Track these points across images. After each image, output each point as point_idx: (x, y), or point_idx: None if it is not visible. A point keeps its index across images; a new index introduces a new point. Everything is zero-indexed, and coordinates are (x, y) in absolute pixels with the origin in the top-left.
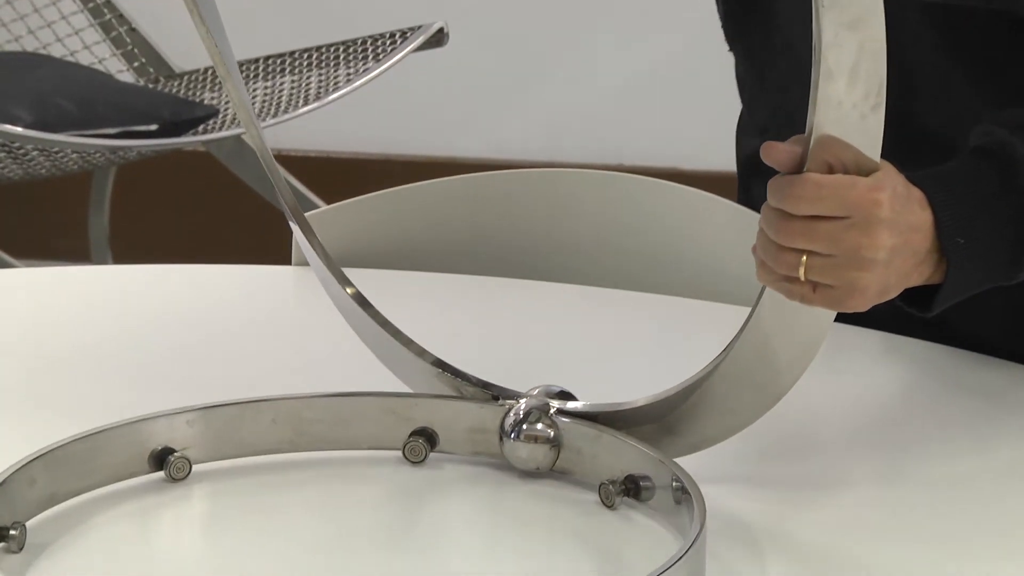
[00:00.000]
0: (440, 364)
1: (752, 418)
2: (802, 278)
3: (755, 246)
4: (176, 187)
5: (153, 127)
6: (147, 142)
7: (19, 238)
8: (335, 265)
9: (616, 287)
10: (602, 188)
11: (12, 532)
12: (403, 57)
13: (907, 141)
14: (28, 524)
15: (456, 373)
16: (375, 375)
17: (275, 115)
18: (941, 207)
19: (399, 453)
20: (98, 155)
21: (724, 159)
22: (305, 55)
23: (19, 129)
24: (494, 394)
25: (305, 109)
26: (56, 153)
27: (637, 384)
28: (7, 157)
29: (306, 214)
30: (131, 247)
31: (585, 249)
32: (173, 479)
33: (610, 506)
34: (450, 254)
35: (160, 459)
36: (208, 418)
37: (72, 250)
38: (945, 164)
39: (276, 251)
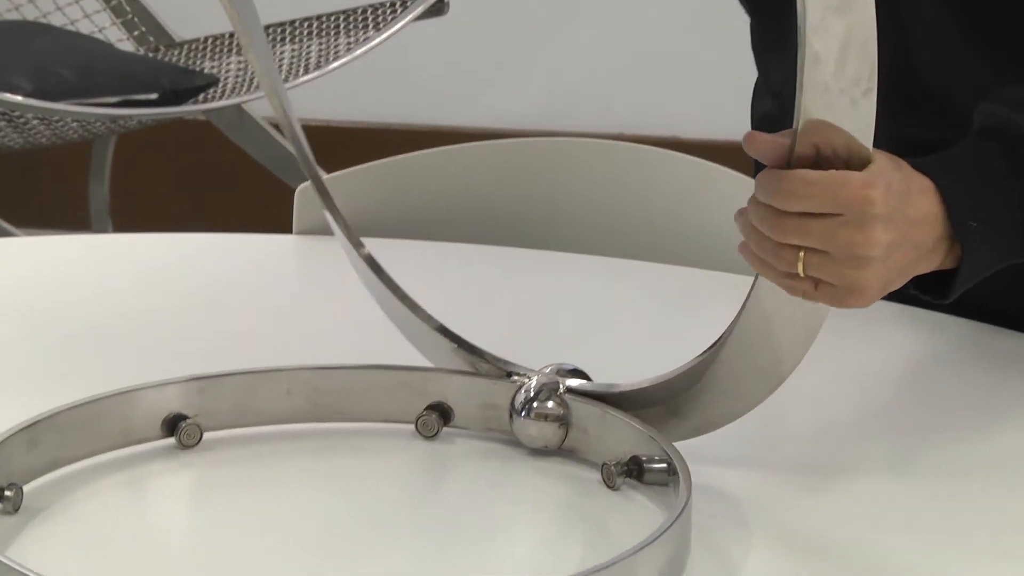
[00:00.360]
0: (453, 337)
1: (755, 402)
2: (801, 274)
3: (743, 244)
4: (176, 156)
5: (153, 96)
6: (147, 111)
7: (19, 207)
8: (350, 228)
9: (615, 256)
10: (602, 157)
11: (7, 493)
12: (403, 26)
13: (907, 97)
14: (27, 487)
15: (471, 349)
16: (380, 344)
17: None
18: (949, 192)
19: (412, 427)
20: (98, 124)
21: (724, 127)
22: (305, 24)
23: (19, 98)
24: (507, 371)
25: (306, 78)
26: (56, 122)
27: (644, 357)
28: (7, 126)
29: (308, 183)
30: (131, 216)
31: (584, 218)
32: (184, 446)
33: (612, 486)
34: (450, 223)
35: (172, 425)
36: (221, 386)
37: (72, 219)
38: (950, 148)
39: (277, 220)
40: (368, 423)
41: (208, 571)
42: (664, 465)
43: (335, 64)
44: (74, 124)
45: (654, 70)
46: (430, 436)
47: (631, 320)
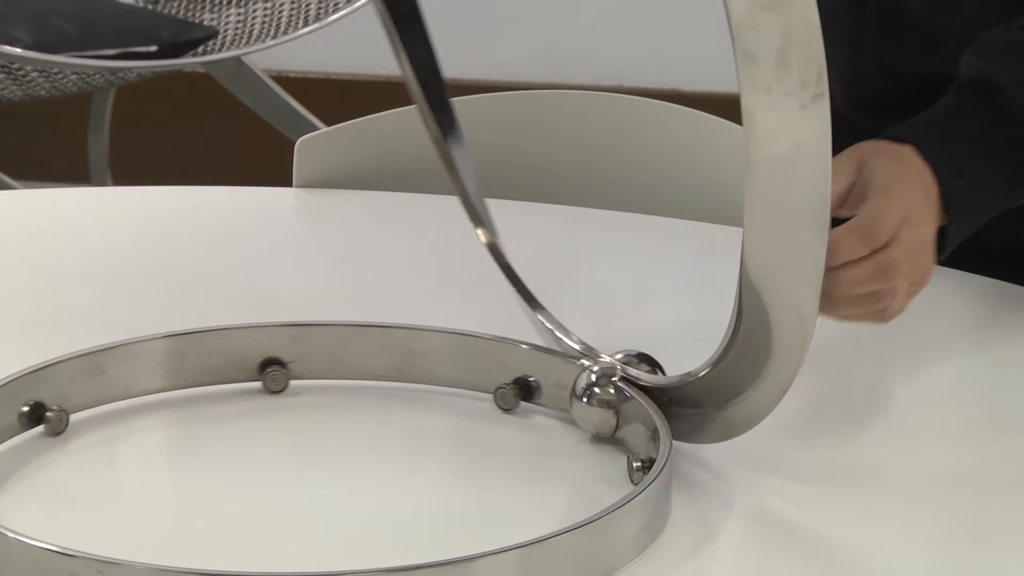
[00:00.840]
0: (544, 313)
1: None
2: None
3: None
4: (175, 108)
5: (152, 48)
6: (146, 63)
7: (18, 159)
8: (471, 201)
9: (614, 209)
10: (602, 109)
11: (49, 414)
12: None
13: (891, 27)
14: (82, 414)
15: (557, 327)
16: (379, 302)
17: (275, 36)
18: (934, 154)
19: (491, 398)
20: (97, 76)
21: (724, 81)
22: None
23: (18, 50)
24: (582, 351)
25: (305, 30)
26: (55, 74)
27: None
28: (6, 78)
29: (308, 135)
30: (130, 168)
31: (584, 171)
32: (270, 391)
33: (634, 481)
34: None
35: (262, 368)
36: (314, 335)
37: (71, 172)
38: (931, 107)
39: (276, 173)
40: (451, 388)
41: (214, 520)
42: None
43: (335, 16)
44: (73, 76)
45: (654, 23)
46: (507, 409)
47: (645, 275)
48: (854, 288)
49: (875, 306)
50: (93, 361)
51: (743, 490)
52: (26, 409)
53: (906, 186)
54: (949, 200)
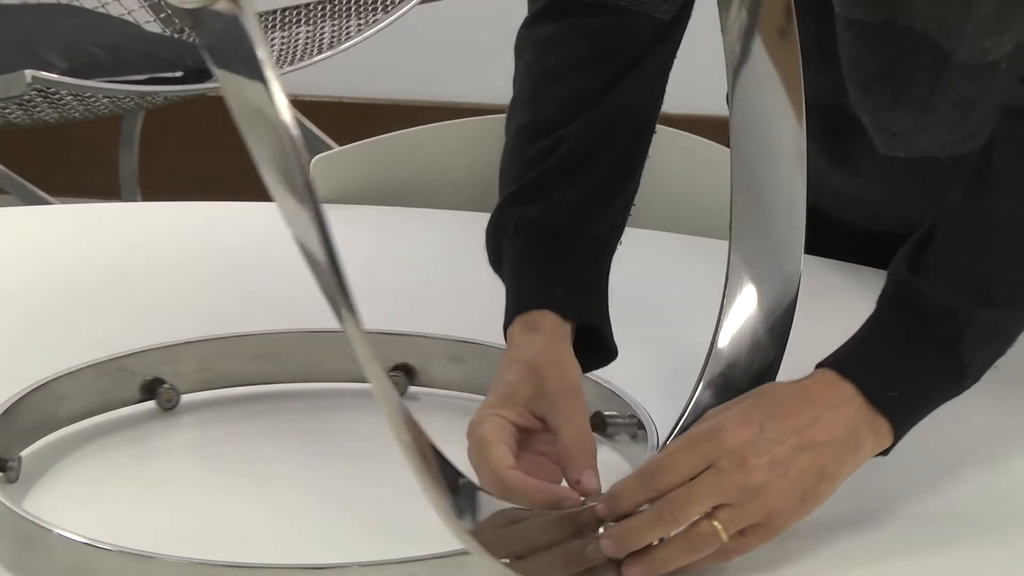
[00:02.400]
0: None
1: None
2: (725, 538)
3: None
4: (200, 129)
5: (178, 74)
6: (173, 88)
7: (54, 177)
8: None
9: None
10: None
11: (11, 464)
12: (409, 9)
13: None
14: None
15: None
16: (385, 310)
17: (291, 62)
18: (859, 375)
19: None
20: (128, 100)
21: (710, 104)
22: (319, 6)
23: (54, 76)
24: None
25: (319, 57)
26: (88, 98)
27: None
28: (43, 102)
29: (322, 154)
30: (158, 185)
31: None
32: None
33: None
34: (453, 191)
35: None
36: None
37: (103, 188)
38: (856, 333)
39: None
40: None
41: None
42: (627, 419)
43: (347, 44)
44: (105, 100)
45: None
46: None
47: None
48: (637, 537)
49: (710, 542)
50: (202, 349)
51: None
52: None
53: (745, 418)
54: (885, 411)
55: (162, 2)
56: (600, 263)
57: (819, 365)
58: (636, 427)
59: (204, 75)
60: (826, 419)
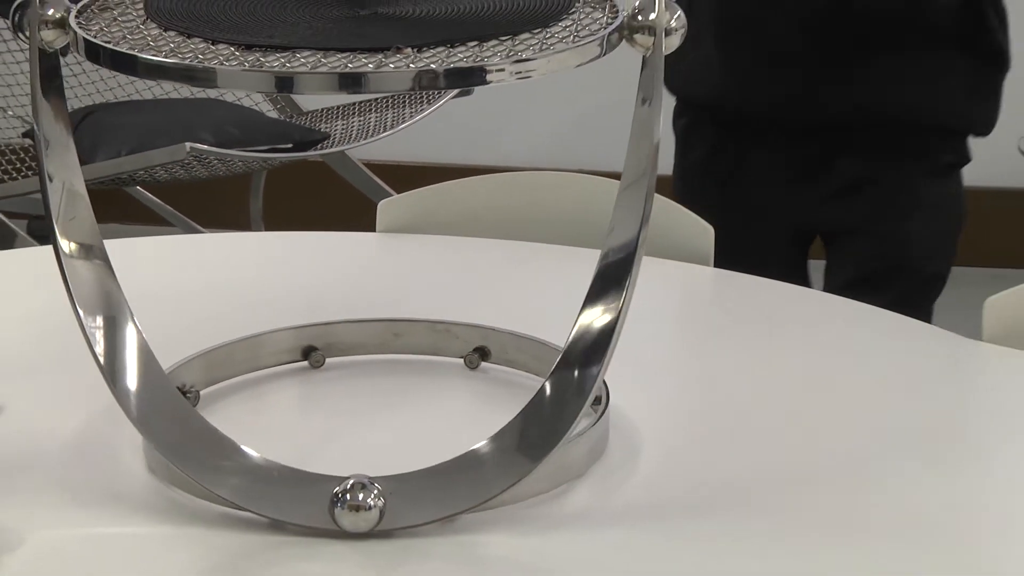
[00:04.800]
0: None
1: None
2: None
3: None
4: (302, 183)
5: (289, 145)
6: (285, 155)
7: (203, 214)
8: None
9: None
10: (565, 185)
11: (188, 394)
12: (445, 102)
13: None
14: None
15: None
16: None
17: (365, 137)
18: None
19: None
20: (255, 163)
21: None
22: (384, 100)
23: (205, 146)
24: None
25: (385, 134)
26: (228, 162)
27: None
28: (197, 164)
29: (387, 199)
30: (276, 221)
31: (562, 224)
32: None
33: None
34: (481, 225)
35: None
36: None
37: (238, 222)
38: None
39: (364, 224)
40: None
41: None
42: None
43: (402, 125)
44: (239, 163)
45: (606, 123)
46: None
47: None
48: None
49: None
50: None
51: (652, 435)
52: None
53: None
54: None
55: (277, 97)
56: None
57: None
58: (595, 402)
59: (306, 146)
60: None
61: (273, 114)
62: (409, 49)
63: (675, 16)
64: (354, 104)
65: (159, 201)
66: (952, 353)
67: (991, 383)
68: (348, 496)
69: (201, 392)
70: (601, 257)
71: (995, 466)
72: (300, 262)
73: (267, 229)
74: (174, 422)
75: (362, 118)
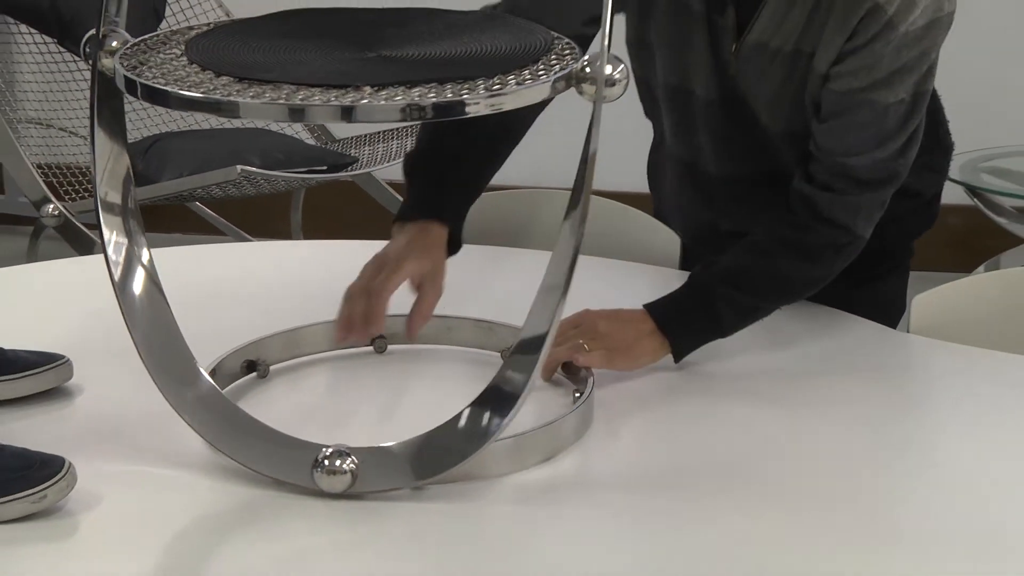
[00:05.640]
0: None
1: None
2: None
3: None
4: (336, 199)
5: (324, 167)
6: (321, 176)
7: (253, 225)
8: None
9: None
10: (559, 201)
11: (259, 368)
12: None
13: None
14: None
15: None
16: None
17: (389, 161)
18: (661, 317)
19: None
20: (295, 182)
21: (635, 183)
22: (404, 129)
23: (254, 168)
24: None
25: None
26: (273, 181)
27: None
28: (247, 183)
29: None
30: (313, 230)
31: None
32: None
33: (574, 404)
34: (494, 232)
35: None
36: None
37: (281, 232)
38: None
39: (387, 233)
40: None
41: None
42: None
43: None
44: (282, 182)
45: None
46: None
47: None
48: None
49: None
50: (292, 336)
51: (636, 418)
52: (244, 364)
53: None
54: (666, 333)
55: (314, 126)
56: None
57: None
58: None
59: (339, 168)
60: (635, 325)
61: (311, 141)
62: (368, 87)
63: (617, 69)
64: (379, 132)
65: (214, 214)
66: (883, 342)
67: (917, 367)
68: (327, 462)
69: (273, 367)
70: (511, 349)
71: (915, 429)
72: (329, 263)
73: (305, 238)
74: (200, 399)
75: (386, 144)
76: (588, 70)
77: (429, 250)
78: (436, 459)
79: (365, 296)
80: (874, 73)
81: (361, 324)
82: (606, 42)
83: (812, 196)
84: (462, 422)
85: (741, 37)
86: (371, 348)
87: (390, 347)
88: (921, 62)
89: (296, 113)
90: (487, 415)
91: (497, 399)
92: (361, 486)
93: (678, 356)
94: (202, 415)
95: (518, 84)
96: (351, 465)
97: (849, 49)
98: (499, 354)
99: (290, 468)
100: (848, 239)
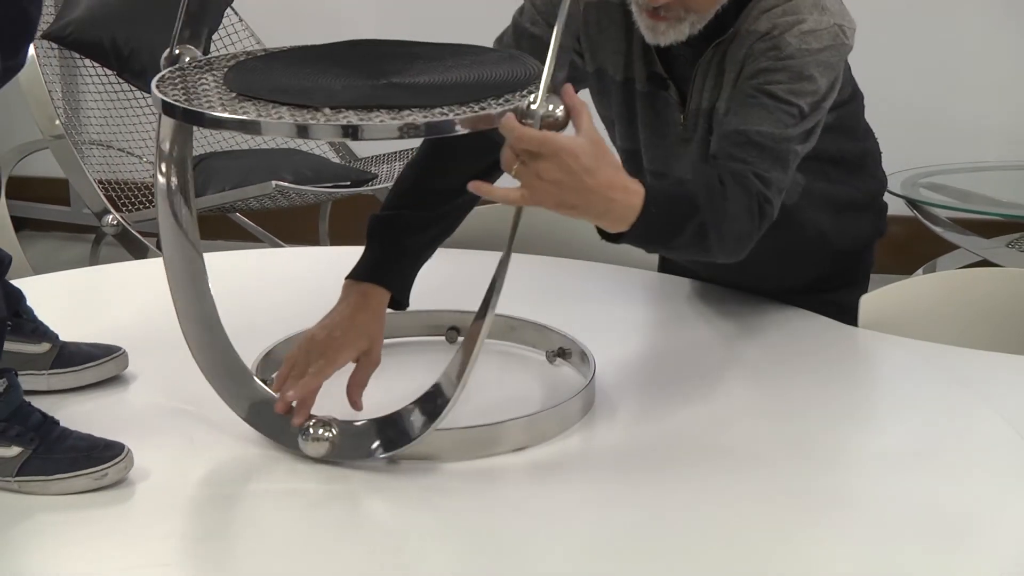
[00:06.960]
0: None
1: None
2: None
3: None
4: (359, 210)
5: (348, 183)
6: (345, 190)
7: (285, 232)
8: None
9: (571, 257)
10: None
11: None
12: None
13: None
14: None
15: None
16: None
17: None
18: (649, 200)
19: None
20: (323, 195)
21: None
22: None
23: (286, 183)
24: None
25: None
26: (303, 195)
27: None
28: (280, 196)
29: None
30: (339, 237)
31: (551, 239)
32: (448, 343)
33: (551, 363)
34: (493, 239)
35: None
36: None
37: (310, 239)
38: (672, 183)
39: None
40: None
41: None
42: (581, 351)
43: None
44: (311, 195)
45: None
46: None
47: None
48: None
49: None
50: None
51: (631, 399)
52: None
53: (600, 159)
54: (640, 217)
55: (339, 146)
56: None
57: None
58: (583, 357)
59: (360, 184)
60: (604, 194)
61: (336, 160)
62: (327, 109)
63: (557, 108)
64: (396, 152)
65: (252, 223)
66: (838, 336)
67: (862, 357)
68: (311, 430)
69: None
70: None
71: (859, 406)
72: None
73: (331, 244)
74: (231, 374)
75: (403, 163)
76: (530, 108)
77: (367, 325)
78: (400, 436)
79: (301, 386)
80: (776, 76)
81: (298, 409)
82: (544, 79)
83: (723, 168)
84: (418, 407)
85: (685, 107)
86: (442, 338)
87: (459, 339)
88: (819, 79)
89: (302, 130)
90: (438, 401)
91: (448, 388)
92: (336, 454)
93: (619, 239)
94: (241, 403)
95: (481, 109)
96: (330, 434)
97: (751, 71)
98: (543, 355)
99: (286, 433)
100: (763, 199)
